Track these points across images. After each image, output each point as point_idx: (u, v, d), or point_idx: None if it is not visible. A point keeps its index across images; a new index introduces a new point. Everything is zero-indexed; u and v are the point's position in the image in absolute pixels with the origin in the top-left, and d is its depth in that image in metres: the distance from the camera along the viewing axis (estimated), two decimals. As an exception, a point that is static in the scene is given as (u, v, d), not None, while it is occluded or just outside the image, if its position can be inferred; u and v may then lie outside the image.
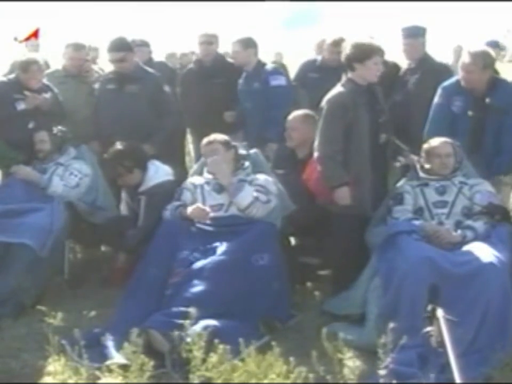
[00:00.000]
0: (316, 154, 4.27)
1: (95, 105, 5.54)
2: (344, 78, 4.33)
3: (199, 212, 4.33)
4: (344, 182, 4.15)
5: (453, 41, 5.00)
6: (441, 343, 3.02)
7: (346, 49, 4.27)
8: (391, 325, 3.03)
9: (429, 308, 3.25)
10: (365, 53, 4.21)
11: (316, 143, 4.26)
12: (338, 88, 4.27)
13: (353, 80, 4.26)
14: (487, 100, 4.60)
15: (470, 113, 4.64)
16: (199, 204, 4.39)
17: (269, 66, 5.80)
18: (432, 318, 3.21)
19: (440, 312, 3.11)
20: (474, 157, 4.57)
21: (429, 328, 3.18)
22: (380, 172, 4.36)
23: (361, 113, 4.19)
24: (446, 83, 4.81)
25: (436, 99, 4.80)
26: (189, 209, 4.35)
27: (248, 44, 5.68)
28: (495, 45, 7.07)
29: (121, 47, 5.43)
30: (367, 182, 4.23)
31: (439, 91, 4.80)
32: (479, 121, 4.65)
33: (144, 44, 6.13)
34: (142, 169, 4.82)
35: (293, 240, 4.95)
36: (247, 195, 4.31)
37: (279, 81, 5.57)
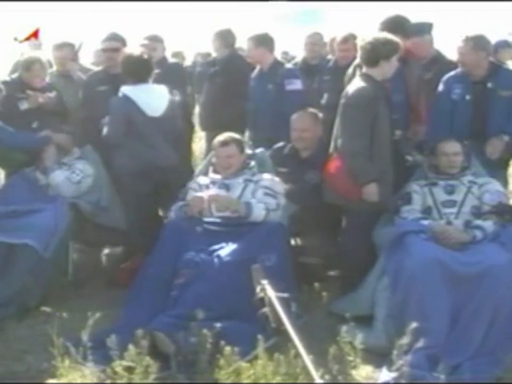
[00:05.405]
0: (341, 150, 4.14)
1: (84, 107, 5.33)
2: (358, 74, 4.25)
3: (196, 200, 4.29)
4: (373, 178, 4.08)
5: (455, 40, 4.91)
6: (279, 322, 2.91)
7: (373, 45, 4.11)
8: (413, 325, 2.98)
9: (258, 288, 3.12)
10: (393, 49, 4.14)
11: (342, 140, 4.14)
12: (359, 83, 4.14)
13: (370, 75, 4.16)
14: (489, 85, 4.65)
15: (467, 97, 4.68)
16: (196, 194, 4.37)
17: (286, 68, 5.55)
18: (263, 299, 3.08)
19: (270, 291, 2.98)
20: (479, 143, 4.56)
21: (263, 310, 3.07)
22: (397, 168, 4.25)
23: (382, 109, 4.11)
24: (448, 74, 4.84)
25: (438, 90, 4.82)
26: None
27: (260, 42, 5.44)
28: (505, 44, 7.05)
29: (116, 37, 5.36)
30: (390, 178, 4.16)
31: (441, 82, 4.83)
32: (479, 105, 4.67)
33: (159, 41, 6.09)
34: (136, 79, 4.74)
35: (298, 240, 4.91)
36: (259, 212, 4.25)
37: (295, 85, 5.33)
